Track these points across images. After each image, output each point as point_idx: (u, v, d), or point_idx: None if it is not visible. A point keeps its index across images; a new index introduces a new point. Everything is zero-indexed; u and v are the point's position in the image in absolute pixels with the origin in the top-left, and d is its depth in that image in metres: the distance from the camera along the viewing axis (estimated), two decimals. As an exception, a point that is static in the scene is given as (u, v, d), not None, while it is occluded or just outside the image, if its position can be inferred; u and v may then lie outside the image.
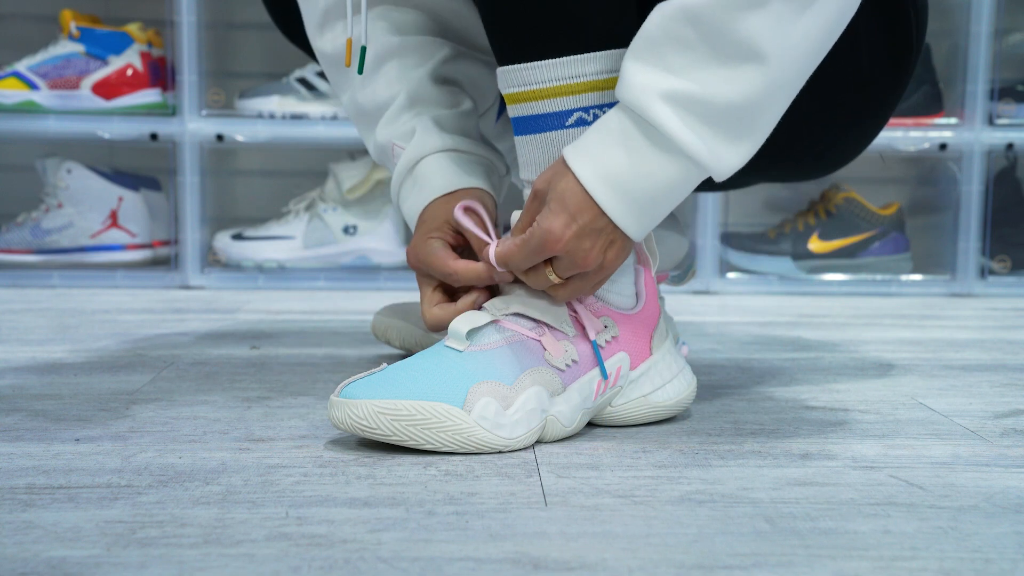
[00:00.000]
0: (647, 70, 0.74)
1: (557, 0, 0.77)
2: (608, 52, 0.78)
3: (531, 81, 0.79)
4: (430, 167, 0.94)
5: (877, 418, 0.93)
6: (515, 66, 0.79)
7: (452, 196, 0.91)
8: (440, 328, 0.87)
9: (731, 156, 0.76)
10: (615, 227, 0.77)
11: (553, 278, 0.80)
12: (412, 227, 0.95)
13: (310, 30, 1.01)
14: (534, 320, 0.83)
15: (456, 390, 0.78)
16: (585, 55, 0.78)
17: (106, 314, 1.54)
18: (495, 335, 0.82)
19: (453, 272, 0.86)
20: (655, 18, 0.74)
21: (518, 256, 0.80)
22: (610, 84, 0.79)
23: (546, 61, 0.78)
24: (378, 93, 0.98)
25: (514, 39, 0.79)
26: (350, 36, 0.89)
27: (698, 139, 0.74)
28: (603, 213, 0.76)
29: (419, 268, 0.91)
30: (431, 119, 0.95)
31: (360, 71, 0.90)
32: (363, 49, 0.89)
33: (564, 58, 0.78)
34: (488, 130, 1.07)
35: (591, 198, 0.76)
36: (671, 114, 0.73)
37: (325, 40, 1.00)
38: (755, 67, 0.72)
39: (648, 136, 0.75)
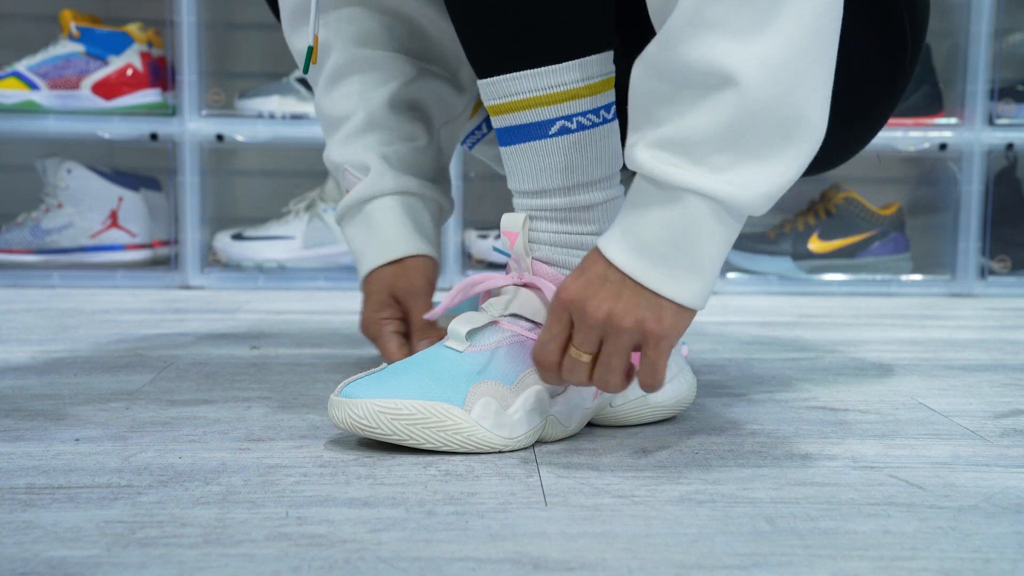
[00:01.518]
0: (636, 134, 0.72)
1: (534, 11, 0.77)
2: (587, 59, 0.78)
3: (512, 92, 0.79)
4: (381, 212, 0.99)
5: (877, 418, 0.93)
6: (495, 78, 0.79)
7: (399, 265, 0.99)
8: None
9: (755, 177, 0.70)
10: (624, 275, 0.73)
11: (575, 353, 0.75)
12: (356, 262, 1.02)
13: (285, 29, 1.04)
14: (533, 320, 0.83)
15: (456, 390, 0.78)
16: (565, 64, 0.77)
17: (106, 314, 1.54)
18: (495, 335, 0.82)
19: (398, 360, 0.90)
20: (632, 82, 0.72)
21: (545, 329, 0.77)
22: (590, 91, 0.79)
23: (525, 72, 0.78)
24: (337, 106, 1.02)
25: (492, 51, 0.79)
26: (313, 38, 0.91)
27: (686, 172, 0.70)
28: (611, 264, 0.73)
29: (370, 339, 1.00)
30: (384, 156, 1.00)
31: (305, 71, 0.94)
32: (309, 49, 0.91)
33: (544, 68, 0.78)
34: (457, 136, 1.09)
35: (600, 252, 0.74)
36: (648, 157, 0.70)
37: (299, 39, 1.03)
38: (729, 91, 0.68)
39: (647, 190, 0.72)
